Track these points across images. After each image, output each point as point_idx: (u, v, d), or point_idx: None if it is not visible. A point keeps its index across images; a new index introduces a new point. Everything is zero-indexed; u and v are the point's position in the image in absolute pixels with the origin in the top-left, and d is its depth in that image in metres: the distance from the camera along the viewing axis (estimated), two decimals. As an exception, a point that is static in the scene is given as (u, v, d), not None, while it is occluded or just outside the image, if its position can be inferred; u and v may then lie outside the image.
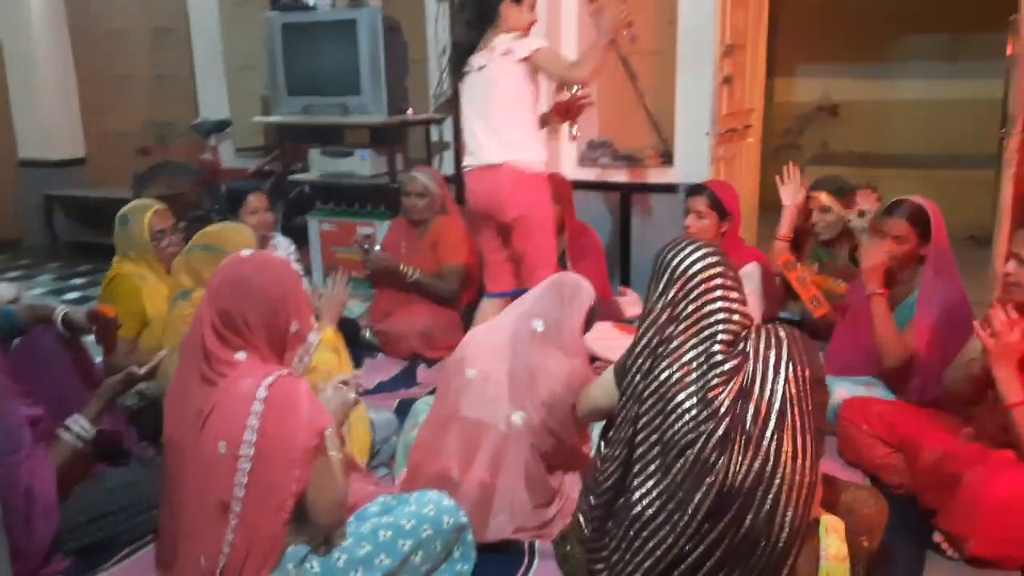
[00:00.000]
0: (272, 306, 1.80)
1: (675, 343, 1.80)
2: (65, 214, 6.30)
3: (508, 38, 3.04)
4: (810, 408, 1.76)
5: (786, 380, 1.75)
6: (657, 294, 1.85)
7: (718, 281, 1.79)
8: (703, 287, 1.79)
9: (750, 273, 3.28)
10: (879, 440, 2.50)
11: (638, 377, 1.84)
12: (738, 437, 1.74)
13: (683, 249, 1.84)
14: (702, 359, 1.77)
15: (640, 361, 1.84)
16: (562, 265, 3.79)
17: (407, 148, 4.75)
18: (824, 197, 3.26)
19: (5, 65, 6.36)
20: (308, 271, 3.78)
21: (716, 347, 1.77)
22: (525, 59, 2.98)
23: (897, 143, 7.10)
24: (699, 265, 1.80)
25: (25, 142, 6.48)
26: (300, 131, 4.94)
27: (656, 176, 4.36)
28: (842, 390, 2.72)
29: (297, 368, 1.91)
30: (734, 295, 1.81)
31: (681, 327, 1.80)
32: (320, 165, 4.57)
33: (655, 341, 1.82)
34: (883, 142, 7.18)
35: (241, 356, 1.77)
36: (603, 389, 2.01)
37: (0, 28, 6.30)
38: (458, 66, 3.14)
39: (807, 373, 1.77)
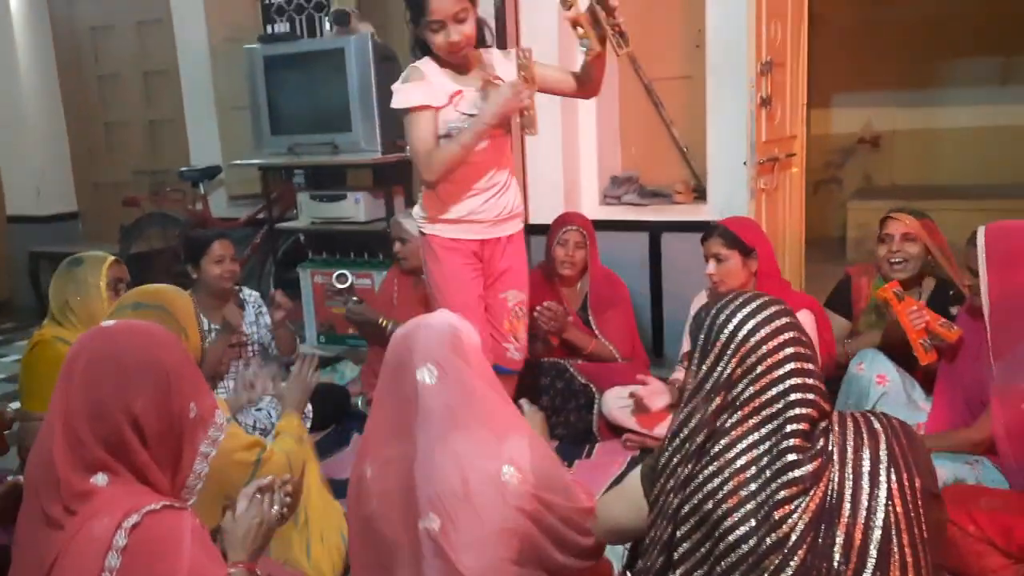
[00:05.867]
0: (164, 387, 1.33)
1: (726, 440, 1.26)
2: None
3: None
4: (924, 535, 1.21)
5: (889, 495, 1.20)
6: (704, 372, 1.31)
7: (789, 351, 1.26)
8: (769, 361, 1.25)
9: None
10: (992, 547, 1.92)
11: (672, 487, 1.30)
12: (822, 580, 1.20)
13: (739, 308, 1.30)
14: (765, 462, 1.23)
15: (676, 465, 1.30)
16: (583, 315, 3.32)
17: (410, 189, 4.26)
18: (909, 221, 2.64)
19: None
20: (274, 330, 3.21)
21: (790, 442, 1.23)
22: None
23: (946, 174, 6.60)
24: (764, 331, 1.27)
25: (13, 197, 6.14)
26: (290, 174, 4.49)
27: (688, 213, 3.85)
28: (941, 470, 2.14)
29: (193, 486, 1.39)
30: (810, 367, 1.27)
31: (737, 417, 1.26)
32: (310, 211, 4.10)
33: (699, 438, 1.28)
34: (931, 173, 6.68)
35: (100, 480, 1.28)
36: (627, 500, 1.45)
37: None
38: None
39: (917, 483, 1.22)
